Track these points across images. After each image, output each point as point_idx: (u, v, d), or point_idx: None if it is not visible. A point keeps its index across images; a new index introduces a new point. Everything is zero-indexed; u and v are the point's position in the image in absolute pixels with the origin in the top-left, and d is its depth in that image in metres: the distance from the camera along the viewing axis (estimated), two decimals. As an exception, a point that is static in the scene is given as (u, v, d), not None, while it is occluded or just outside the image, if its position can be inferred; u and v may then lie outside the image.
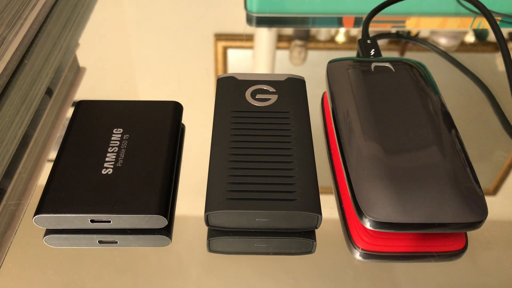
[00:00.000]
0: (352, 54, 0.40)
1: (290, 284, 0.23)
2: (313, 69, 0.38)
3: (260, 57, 0.41)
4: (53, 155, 0.29)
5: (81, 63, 0.37)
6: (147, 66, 0.38)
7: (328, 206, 0.26)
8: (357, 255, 0.24)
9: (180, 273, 0.24)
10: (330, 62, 0.31)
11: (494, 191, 0.28)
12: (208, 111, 0.33)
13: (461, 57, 0.38)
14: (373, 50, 0.32)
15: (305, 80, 0.31)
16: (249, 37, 0.41)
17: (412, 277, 0.24)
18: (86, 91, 0.35)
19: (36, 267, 0.24)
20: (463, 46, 0.40)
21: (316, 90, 0.33)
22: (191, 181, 0.27)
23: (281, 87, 0.29)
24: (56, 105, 0.33)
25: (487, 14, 0.36)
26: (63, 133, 0.31)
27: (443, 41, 0.40)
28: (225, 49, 0.40)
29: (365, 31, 0.34)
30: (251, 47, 0.41)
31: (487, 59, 0.39)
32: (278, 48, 0.41)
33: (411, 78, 0.29)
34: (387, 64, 0.29)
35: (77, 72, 0.37)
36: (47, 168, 0.29)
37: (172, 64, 0.38)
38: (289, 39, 0.42)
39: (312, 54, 0.40)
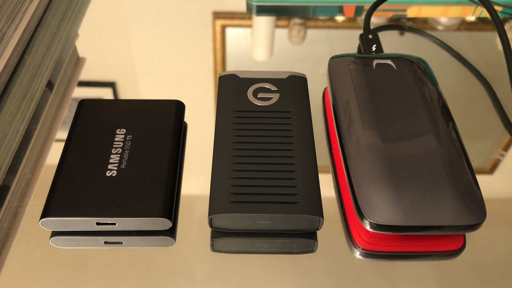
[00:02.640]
0: (351, 33, 0.40)
1: (291, 283, 0.24)
2: (312, 48, 0.38)
3: (259, 36, 0.41)
4: (55, 150, 0.30)
5: (81, 53, 0.37)
6: (146, 50, 0.38)
7: (329, 205, 0.26)
8: (357, 254, 0.25)
9: (184, 273, 0.24)
10: (332, 58, 0.31)
11: (493, 190, 0.29)
12: (209, 107, 0.33)
13: (462, 49, 0.38)
14: (374, 45, 0.32)
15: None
16: (248, 16, 0.41)
17: (411, 275, 0.24)
18: (86, 81, 0.35)
19: (42, 267, 0.24)
20: (464, 26, 0.40)
21: (316, 69, 0.33)
22: (194, 180, 0.28)
23: (282, 85, 0.29)
24: (57, 98, 0.33)
25: (487, 4, 0.35)
26: (64, 128, 0.31)
27: (443, 20, 0.40)
28: (223, 27, 0.40)
29: (366, 26, 0.34)
30: (250, 26, 0.40)
31: (488, 51, 0.39)
32: (277, 26, 0.41)
33: (412, 76, 0.29)
34: (388, 61, 0.30)
35: (77, 62, 0.37)
36: (49, 163, 0.29)
37: (171, 49, 0.38)
38: (288, 17, 0.41)
39: (312, 33, 0.40)
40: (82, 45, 0.38)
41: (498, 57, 0.37)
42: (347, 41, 0.40)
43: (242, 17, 0.41)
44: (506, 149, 0.31)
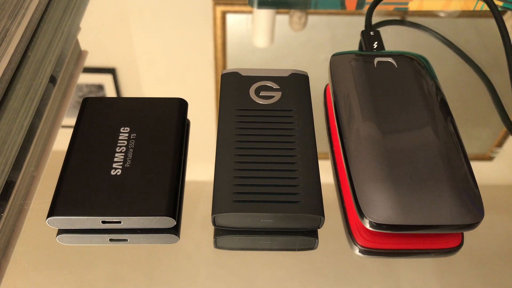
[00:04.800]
0: (353, 19, 0.40)
1: (293, 279, 0.24)
2: (313, 34, 0.38)
3: (260, 22, 0.41)
4: (59, 145, 0.30)
5: (83, 46, 0.37)
6: (148, 38, 0.39)
7: (330, 202, 0.27)
8: (357, 251, 0.25)
9: (187, 269, 0.25)
10: (334, 55, 0.31)
11: (490, 188, 0.29)
12: (211, 103, 0.33)
13: (462, 43, 0.38)
14: (376, 43, 0.33)
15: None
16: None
17: (410, 272, 0.25)
18: (88, 74, 0.35)
19: (49, 263, 0.25)
20: (465, 19, 0.40)
21: (317, 56, 0.34)
22: (197, 177, 0.28)
23: (284, 83, 0.29)
24: (60, 91, 0.33)
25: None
26: (68, 121, 0.32)
27: (444, 13, 0.40)
28: (223, 13, 0.40)
29: (368, 22, 0.34)
30: (250, 12, 0.41)
31: (489, 45, 0.39)
32: (278, 13, 0.41)
33: (413, 74, 0.29)
34: (389, 59, 0.30)
35: (79, 56, 0.37)
36: (54, 158, 0.29)
37: (172, 36, 0.39)
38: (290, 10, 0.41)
39: (313, 19, 0.40)
40: (84, 39, 0.38)
41: (499, 52, 0.37)
42: (348, 27, 0.40)
43: (243, 3, 0.41)
44: (504, 145, 0.31)
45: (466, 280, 0.25)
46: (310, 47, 0.33)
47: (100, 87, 0.35)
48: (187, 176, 0.28)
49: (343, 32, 0.40)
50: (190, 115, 0.30)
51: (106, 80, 0.36)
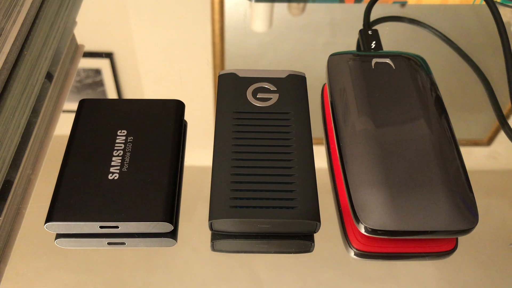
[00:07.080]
0: (353, 8, 0.40)
1: (289, 282, 0.25)
2: (312, 18, 0.38)
3: (258, 8, 0.40)
4: (56, 143, 0.30)
5: (79, 40, 0.37)
6: (144, 24, 0.39)
7: (326, 205, 0.27)
8: (352, 254, 0.25)
9: (185, 272, 0.25)
10: (331, 55, 0.31)
11: (485, 192, 0.29)
12: (208, 103, 0.33)
13: (462, 40, 0.38)
14: (374, 42, 0.32)
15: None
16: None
17: (405, 275, 0.25)
18: (86, 58, 0.36)
19: (47, 266, 0.25)
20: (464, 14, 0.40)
21: (315, 40, 0.33)
22: (195, 179, 0.28)
23: (282, 85, 0.29)
24: (56, 88, 0.33)
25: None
26: (65, 117, 0.32)
27: (442, 8, 0.40)
28: None
29: (366, 21, 0.34)
30: None
31: (488, 42, 0.39)
32: None
33: (411, 76, 0.29)
34: (387, 60, 0.30)
35: (76, 50, 0.37)
36: (51, 157, 0.29)
37: (169, 23, 0.39)
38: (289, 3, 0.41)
39: (311, 5, 0.40)
40: (81, 33, 0.38)
41: (497, 51, 0.37)
42: (347, 12, 0.40)
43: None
44: (501, 145, 0.31)
45: (461, 282, 0.25)
46: (308, 31, 0.32)
47: (98, 72, 0.35)
48: (184, 178, 0.28)
49: (342, 17, 0.40)
50: (187, 114, 0.30)
51: (103, 64, 0.35)
